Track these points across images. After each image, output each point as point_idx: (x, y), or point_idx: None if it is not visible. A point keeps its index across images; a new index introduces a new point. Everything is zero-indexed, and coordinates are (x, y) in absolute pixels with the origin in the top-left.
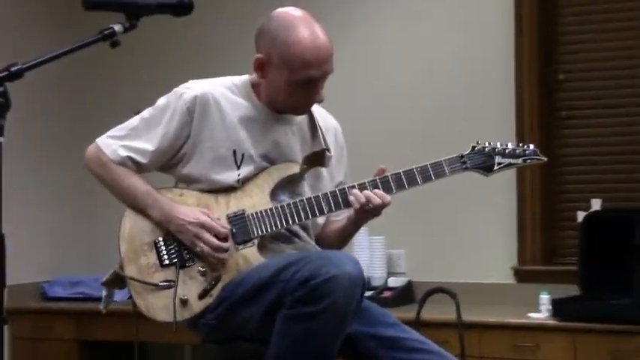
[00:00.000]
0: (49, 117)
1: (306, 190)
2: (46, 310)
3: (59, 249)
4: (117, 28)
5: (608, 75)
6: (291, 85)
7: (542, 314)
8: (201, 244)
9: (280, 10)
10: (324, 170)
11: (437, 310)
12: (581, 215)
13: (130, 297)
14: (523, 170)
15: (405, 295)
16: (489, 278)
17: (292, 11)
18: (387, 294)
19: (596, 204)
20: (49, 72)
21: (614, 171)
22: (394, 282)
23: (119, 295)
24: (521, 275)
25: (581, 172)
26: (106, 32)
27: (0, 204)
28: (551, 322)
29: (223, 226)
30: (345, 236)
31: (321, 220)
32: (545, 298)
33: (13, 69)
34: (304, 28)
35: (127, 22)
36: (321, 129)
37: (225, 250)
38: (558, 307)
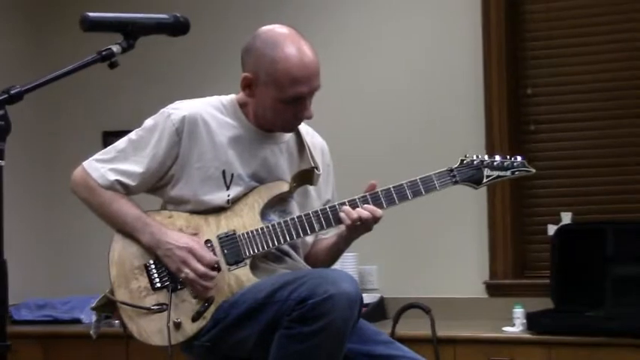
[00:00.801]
0: (15, 138)
1: (295, 209)
2: (12, 333)
3: (26, 272)
4: (115, 49)
5: (575, 89)
6: (279, 102)
7: (516, 328)
8: (187, 271)
9: (265, 27)
10: (312, 188)
11: (411, 326)
12: (551, 229)
13: (121, 321)
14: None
15: (378, 311)
16: (462, 293)
17: (278, 29)
18: None
19: (566, 217)
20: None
21: (583, 184)
22: (366, 298)
23: (87, 319)
24: (494, 289)
25: (550, 186)
26: (104, 53)
27: (1, 230)
28: (527, 335)
29: (211, 255)
30: (335, 253)
31: (309, 238)
32: (518, 312)
33: (13, 91)
34: (291, 45)
35: (124, 42)
36: (308, 147)
37: (211, 278)
38: (533, 320)
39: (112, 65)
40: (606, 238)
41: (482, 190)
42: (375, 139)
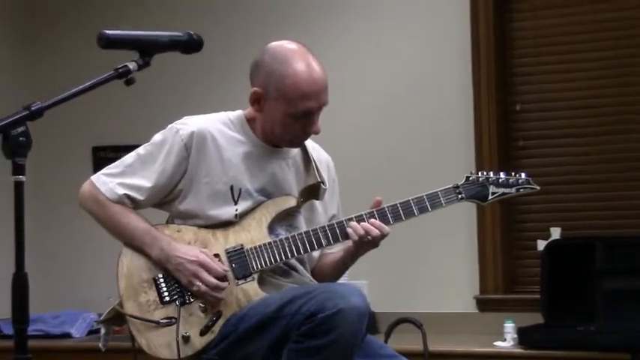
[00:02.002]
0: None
1: (302, 224)
2: (1, 348)
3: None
4: (131, 66)
5: (563, 105)
6: (288, 117)
7: (507, 342)
8: (199, 283)
9: (274, 43)
10: (318, 203)
11: (402, 341)
12: (541, 244)
13: (130, 335)
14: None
15: (369, 326)
16: (452, 308)
17: (287, 44)
18: None
19: (555, 232)
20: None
21: (572, 200)
22: None
23: (78, 332)
24: (484, 304)
25: (539, 202)
26: (120, 70)
27: (23, 243)
28: (518, 350)
29: (221, 266)
30: (341, 268)
31: (316, 253)
32: (509, 327)
33: (34, 108)
34: (300, 60)
35: (140, 59)
36: (315, 162)
37: (223, 289)
38: (524, 335)
39: (129, 82)
40: (595, 252)
41: (472, 206)
42: (365, 153)
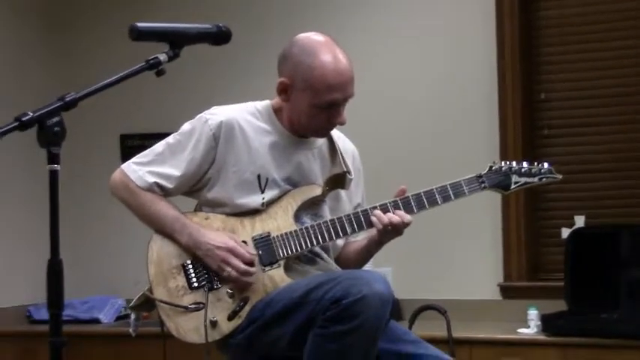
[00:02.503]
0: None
1: (327, 212)
2: (31, 333)
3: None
4: (162, 57)
5: (587, 94)
6: (314, 107)
7: (531, 329)
8: (229, 269)
9: (302, 35)
10: (343, 192)
11: (426, 327)
12: (565, 232)
13: (159, 319)
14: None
15: (393, 312)
16: (476, 295)
17: (314, 36)
18: None
19: (579, 220)
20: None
21: (595, 188)
22: None
23: (106, 318)
24: (508, 291)
25: (563, 190)
26: (151, 61)
27: (57, 230)
28: (541, 337)
29: (249, 251)
30: (365, 256)
31: (340, 241)
32: (533, 314)
33: (68, 99)
34: (327, 52)
35: (170, 51)
36: (340, 152)
37: (252, 274)
38: (548, 322)
39: (159, 73)
40: (620, 241)
41: (497, 194)
42: (389, 143)
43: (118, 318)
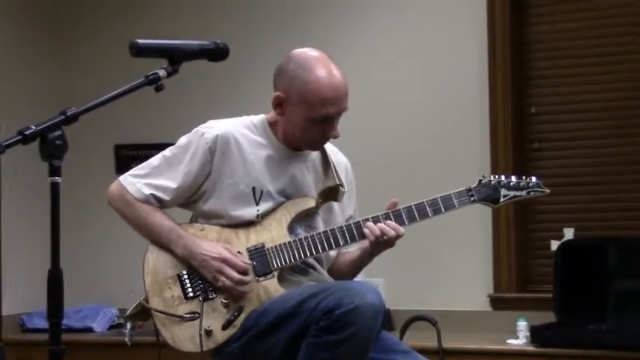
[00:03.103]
0: (29, 152)
1: (320, 224)
2: (25, 342)
3: (39, 281)
4: (161, 73)
5: (577, 108)
6: (309, 121)
7: (520, 340)
8: (223, 279)
9: (298, 50)
10: (336, 205)
11: (417, 338)
12: (554, 244)
13: (155, 328)
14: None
15: (384, 323)
16: (466, 306)
17: (310, 52)
18: None
19: (568, 233)
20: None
21: (585, 201)
22: None
23: (99, 327)
24: (498, 302)
25: (553, 202)
26: (151, 77)
27: (58, 240)
28: (530, 347)
29: (244, 261)
30: (357, 267)
31: (333, 252)
32: (522, 325)
33: (69, 113)
34: (322, 67)
35: (169, 67)
36: (334, 165)
37: (246, 284)
38: (536, 333)
39: (158, 89)
40: (608, 253)
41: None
42: (381, 156)
43: (111, 327)
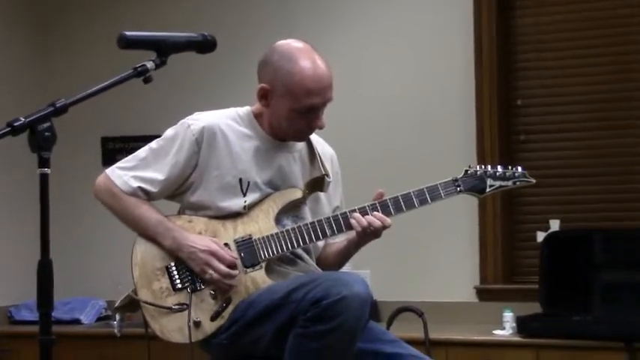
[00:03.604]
0: (16, 144)
1: (308, 214)
2: (12, 333)
3: (26, 273)
4: (149, 65)
5: (563, 100)
6: (294, 112)
7: (506, 331)
8: (211, 271)
9: (282, 42)
10: (322, 195)
11: (404, 329)
12: (540, 235)
13: (144, 320)
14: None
15: (371, 314)
16: (453, 297)
17: (294, 43)
18: None
19: (554, 224)
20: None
21: (571, 192)
22: None
23: (87, 319)
24: (484, 294)
25: (539, 194)
26: (139, 69)
27: (47, 231)
28: (516, 338)
29: (231, 254)
30: (344, 257)
31: (320, 243)
32: (508, 316)
33: (58, 105)
34: (306, 58)
35: (157, 59)
36: (319, 156)
37: (233, 277)
38: (523, 324)
39: (147, 80)
40: (594, 244)
41: (473, 198)
42: (368, 147)
43: (99, 319)
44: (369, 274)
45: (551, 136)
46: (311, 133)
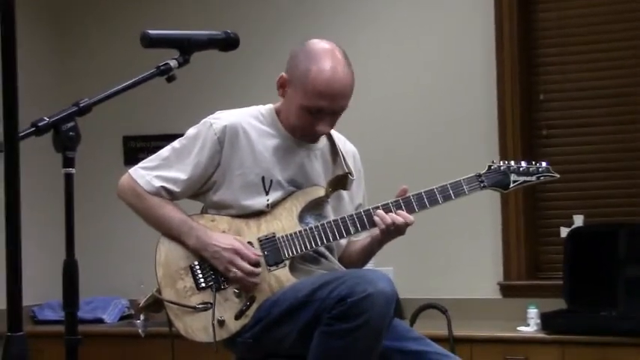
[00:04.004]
0: (39, 144)
1: (330, 213)
2: (36, 333)
3: (49, 273)
4: (172, 63)
5: (586, 95)
6: (302, 108)
7: (530, 327)
8: (235, 270)
9: (315, 40)
10: (345, 193)
11: (427, 326)
12: (564, 231)
13: (168, 319)
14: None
15: (395, 310)
16: (476, 294)
17: (323, 43)
18: None
19: (578, 220)
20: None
21: (594, 187)
22: None
23: (110, 318)
24: (507, 290)
25: (562, 189)
26: (162, 67)
27: (73, 231)
28: (541, 334)
29: (255, 252)
30: (368, 255)
31: (343, 241)
32: (533, 312)
33: (82, 104)
34: (327, 61)
35: (180, 57)
36: (342, 153)
37: (257, 275)
38: (547, 320)
39: (170, 79)
40: (618, 239)
41: (496, 194)
42: (391, 144)
43: (122, 318)
44: (393, 271)
45: (573, 131)
46: (315, 135)
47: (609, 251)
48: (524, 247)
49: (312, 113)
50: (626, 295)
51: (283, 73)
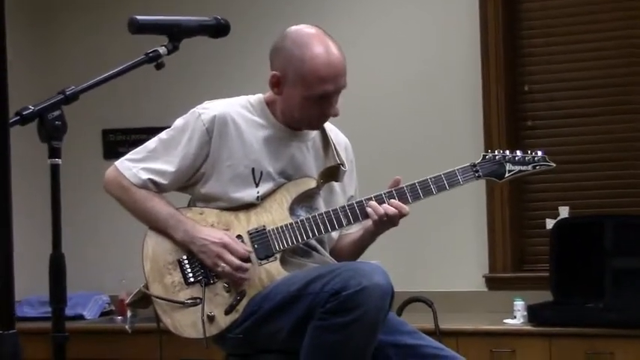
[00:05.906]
0: (18, 137)
1: (322, 205)
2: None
3: (29, 269)
4: (161, 50)
5: (571, 85)
6: (306, 100)
7: (517, 320)
8: (223, 264)
9: (294, 27)
10: (336, 185)
11: (413, 319)
12: (550, 223)
13: (156, 315)
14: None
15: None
16: (462, 286)
17: (306, 28)
18: None
19: (563, 211)
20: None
21: (580, 179)
22: None
23: (90, 314)
24: (493, 282)
25: (548, 181)
26: (151, 54)
27: (59, 224)
28: (527, 327)
29: (244, 247)
30: (360, 247)
31: (335, 233)
32: (519, 304)
33: (68, 92)
34: (318, 44)
35: (169, 44)
36: (333, 144)
37: (246, 270)
38: (534, 312)
39: (159, 66)
40: (604, 231)
41: (482, 185)
42: (378, 134)
43: (102, 314)
44: (378, 264)
45: (558, 122)
46: (325, 122)
47: (595, 243)
48: (510, 239)
49: (317, 101)
50: (612, 286)
51: (275, 72)
